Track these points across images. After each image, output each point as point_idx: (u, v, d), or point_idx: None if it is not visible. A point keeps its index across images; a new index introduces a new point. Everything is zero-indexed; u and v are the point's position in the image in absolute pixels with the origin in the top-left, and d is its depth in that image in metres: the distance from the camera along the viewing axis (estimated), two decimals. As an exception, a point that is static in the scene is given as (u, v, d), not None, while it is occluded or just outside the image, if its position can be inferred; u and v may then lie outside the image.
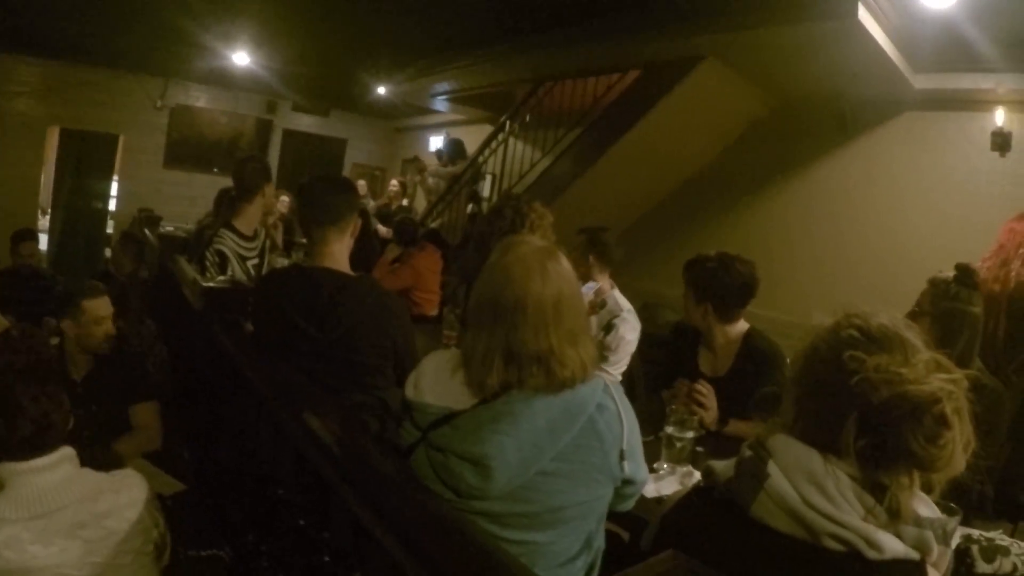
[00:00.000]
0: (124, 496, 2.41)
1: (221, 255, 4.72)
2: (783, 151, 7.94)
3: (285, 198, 9.02)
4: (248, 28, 8.78)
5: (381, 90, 11.24)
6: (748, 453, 1.66)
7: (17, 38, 10.87)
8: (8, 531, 2.20)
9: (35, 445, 2.30)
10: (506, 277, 2.03)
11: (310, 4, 7.44)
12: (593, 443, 2.00)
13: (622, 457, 2.04)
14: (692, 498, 1.85)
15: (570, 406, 1.98)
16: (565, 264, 2.11)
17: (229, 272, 4.67)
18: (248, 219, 4.89)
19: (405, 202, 11.80)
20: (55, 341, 5.68)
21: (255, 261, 4.86)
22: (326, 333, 3.06)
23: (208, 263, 4.73)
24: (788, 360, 3.25)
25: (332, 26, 8.26)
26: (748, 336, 3.74)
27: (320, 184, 3.36)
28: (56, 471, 2.32)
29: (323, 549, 2.37)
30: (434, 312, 6.85)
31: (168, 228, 10.46)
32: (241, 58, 10.08)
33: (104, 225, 13.36)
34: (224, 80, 12.02)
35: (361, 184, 12.08)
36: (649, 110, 7.57)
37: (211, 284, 4.13)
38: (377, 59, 9.88)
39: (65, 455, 2.37)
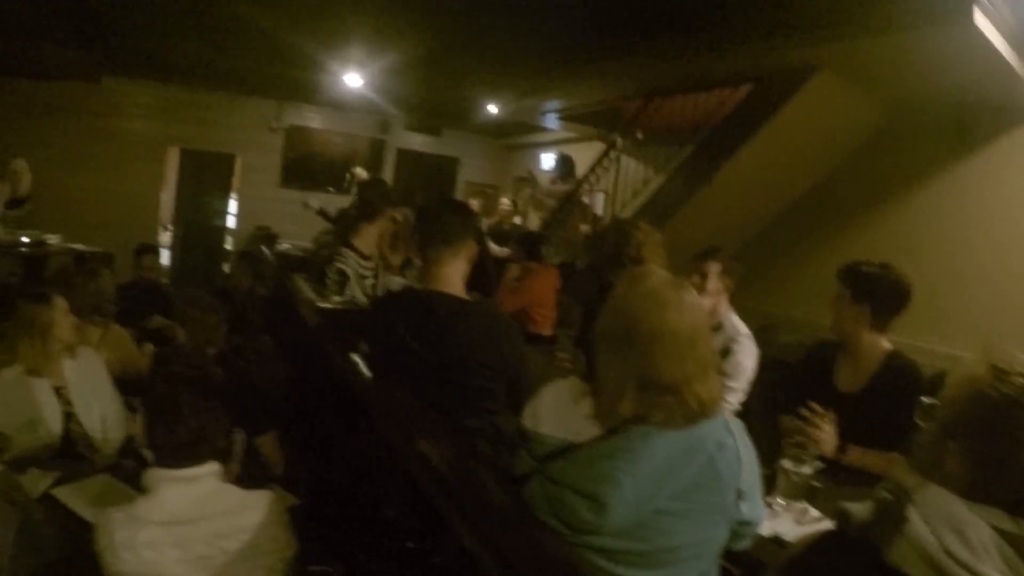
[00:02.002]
0: (263, 514, 2.48)
1: (342, 274, 4.81)
2: (900, 163, 7.69)
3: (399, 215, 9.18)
4: (360, 50, 8.92)
5: (492, 109, 11.29)
6: (886, 495, 1.62)
7: (136, 63, 11.38)
8: (150, 532, 2.30)
9: (188, 455, 2.42)
10: (640, 308, 2.02)
11: (421, 26, 7.53)
12: (711, 483, 1.97)
13: (740, 497, 2.01)
14: (823, 541, 1.81)
15: (690, 444, 1.95)
16: (695, 295, 2.11)
17: (348, 291, 4.76)
18: (368, 239, 4.97)
19: (518, 220, 11.76)
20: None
21: (372, 280, 4.93)
22: (439, 356, 3.06)
23: (329, 280, 4.84)
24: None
25: (443, 46, 8.33)
26: (893, 355, 3.59)
27: (437, 206, 3.39)
28: (202, 483, 2.43)
29: (432, 573, 2.40)
30: (548, 331, 6.77)
31: (285, 246, 10.73)
32: (354, 80, 10.24)
33: (222, 241, 13.75)
34: (337, 101, 12.23)
35: (474, 203, 12.17)
36: (762, 125, 7.40)
37: (327, 305, 4.20)
38: (487, 78, 9.94)
39: (212, 469, 2.47)
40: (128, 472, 3.72)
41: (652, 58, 7.71)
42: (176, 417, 2.40)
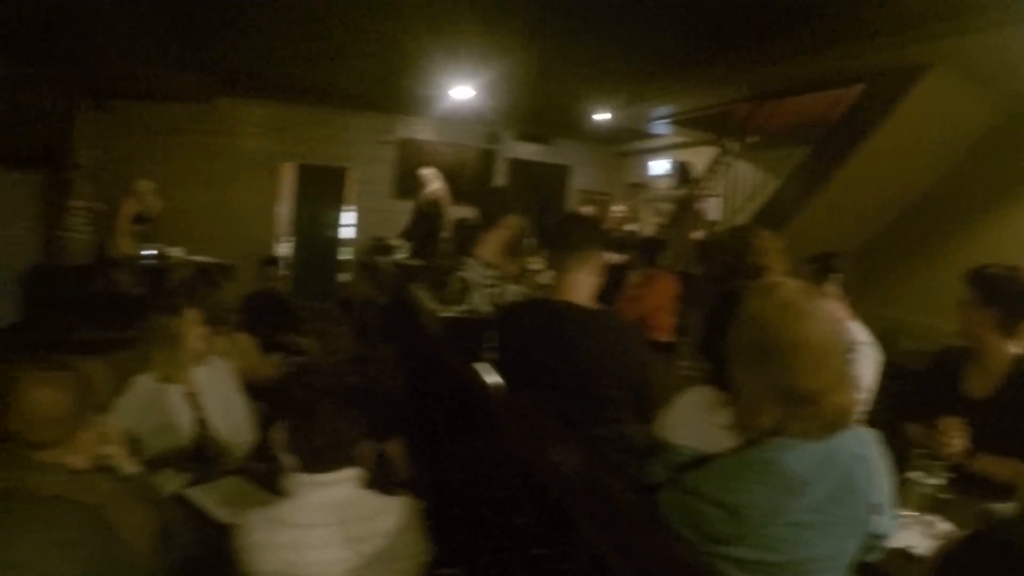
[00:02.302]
0: (401, 519, 2.55)
1: (463, 282, 4.86)
2: (1019, 161, 7.45)
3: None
4: (469, 62, 9.01)
5: (602, 116, 11.31)
6: None
7: (250, 82, 11.80)
8: (292, 534, 2.39)
9: (327, 459, 2.49)
10: (776, 319, 2.02)
11: (530, 35, 7.58)
12: (846, 495, 1.97)
13: (873, 510, 2.00)
14: (966, 543, 1.80)
15: (826, 456, 1.95)
16: (828, 304, 2.11)
17: (469, 300, 4.85)
18: (490, 248, 5.01)
19: (632, 227, 11.68)
20: (302, 361, 6.04)
21: (496, 290, 5.01)
22: (567, 365, 3.09)
23: (450, 289, 4.92)
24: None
25: (552, 55, 8.37)
26: (1022, 360, 3.48)
27: (566, 218, 3.46)
28: (341, 487, 2.50)
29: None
30: (667, 338, 6.73)
31: (400, 255, 10.91)
32: (463, 92, 10.36)
33: (337, 252, 14.04)
34: (447, 113, 12.38)
35: (586, 210, 12.17)
36: (876, 125, 7.25)
37: (450, 314, 4.27)
38: (596, 85, 9.96)
39: (350, 475, 2.54)
40: (258, 474, 3.85)
41: (762, 60, 7.61)
42: (314, 424, 2.48)
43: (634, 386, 3.16)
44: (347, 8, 7.30)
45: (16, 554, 2.22)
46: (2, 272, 10.17)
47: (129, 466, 2.75)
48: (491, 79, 9.56)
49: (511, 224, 5.01)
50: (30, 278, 10.66)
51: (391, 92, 11.54)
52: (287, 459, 2.57)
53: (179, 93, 11.78)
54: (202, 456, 4.22)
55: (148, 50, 8.85)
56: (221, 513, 3.41)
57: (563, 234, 3.38)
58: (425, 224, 11.10)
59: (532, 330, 3.22)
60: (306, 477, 2.49)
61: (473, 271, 4.89)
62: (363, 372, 4.39)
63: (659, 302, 6.96)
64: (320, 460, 2.49)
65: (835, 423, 1.97)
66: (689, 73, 8.64)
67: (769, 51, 7.39)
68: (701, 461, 2.03)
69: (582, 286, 3.29)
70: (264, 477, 3.79)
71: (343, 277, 13.63)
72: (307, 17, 7.81)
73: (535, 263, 6.33)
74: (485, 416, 3.30)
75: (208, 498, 3.56)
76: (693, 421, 2.12)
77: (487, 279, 4.92)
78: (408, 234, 11.41)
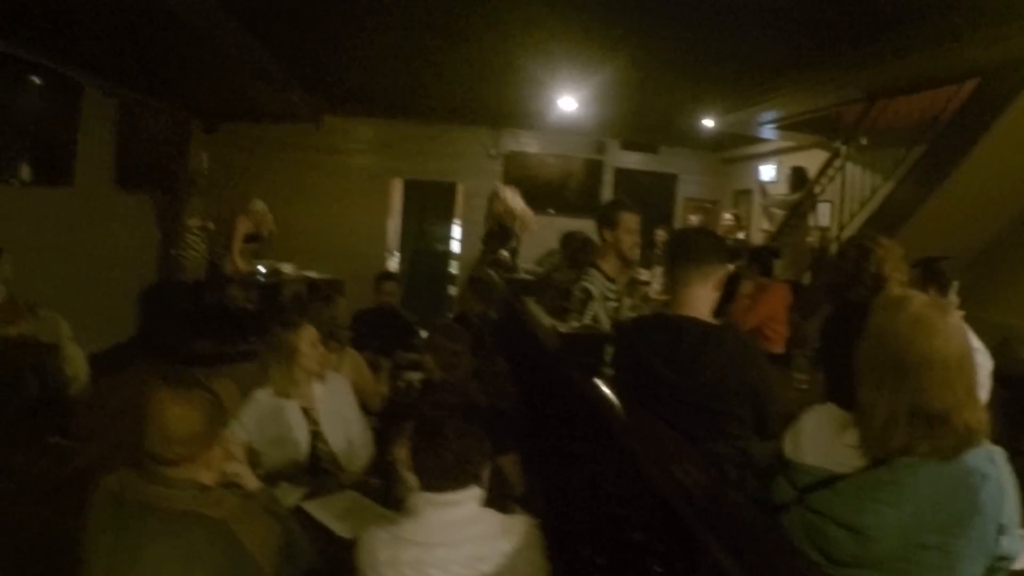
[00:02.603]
0: (522, 540, 2.57)
1: (587, 292, 4.84)
2: None
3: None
4: (573, 73, 9.02)
5: (707, 122, 11.16)
6: None
7: (357, 102, 12.08)
8: (414, 552, 2.43)
9: (452, 478, 2.52)
10: (908, 335, 1.99)
11: (633, 45, 7.55)
12: (974, 517, 1.92)
13: (1000, 532, 1.96)
14: None
15: (955, 476, 1.92)
16: (957, 317, 2.06)
17: (590, 312, 4.80)
18: (609, 263, 4.97)
19: (741, 235, 11.60)
20: (416, 377, 6.07)
21: (616, 304, 4.93)
22: (688, 381, 3.07)
23: (573, 299, 4.88)
24: None
25: (656, 63, 8.34)
26: None
27: (689, 231, 3.42)
28: (464, 507, 2.53)
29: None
30: (780, 349, 6.64)
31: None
32: (568, 103, 10.36)
33: (447, 266, 14.21)
34: (553, 125, 12.40)
35: (694, 219, 12.07)
36: (993, 122, 6.98)
37: (567, 330, 4.24)
38: (702, 92, 9.86)
39: (474, 494, 2.57)
40: (374, 490, 3.93)
41: (874, 59, 7.39)
42: (442, 443, 2.51)
43: (754, 402, 3.13)
44: (451, 27, 7.36)
45: (147, 565, 2.35)
46: (123, 288, 10.54)
47: (252, 482, 2.84)
48: (596, 89, 9.54)
49: (629, 225, 4.91)
50: (148, 294, 11.12)
51: (497, 106, 11.65)
52: (409, 477, 2.62)
53: (288, 114, 12.08)
54: (318, 470, 4.32)
55: (258, 75, 9.05)
56: (339, 527, 3.48)
57: (685, 247, 3.35)
58: (497, 240, 11.05)
59: (653, 346, 3.20)
60: (430, 496, 2.53)
61: (596, 283, 4.85)
62: (479, 387, 4.39)
63: (772, 312, 6.85)
64: (445, 480, 2.52)
65: (965, 442, 1.94)
66: (797, 76, 8.47)
67: (881, 50, 7.15)
68: (828, 481, 2.01)
69: (703, 301, 3.26)
70: (379, 492, 3.87)
71: (453, 291, 13.73)
72: (412, 37, 7.88)
73: (645, 275, 6.21)
74: (605, 432, 3.28)
75: (325, 512, 3.63)
76: (819, 441, 2.10)
77: (611, 292, 4.88)
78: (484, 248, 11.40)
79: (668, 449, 2.67)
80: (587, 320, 4.69)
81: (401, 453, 2.62)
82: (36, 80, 7.86)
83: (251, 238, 11.51)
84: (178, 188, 11.37)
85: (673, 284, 3.34)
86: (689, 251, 3.29)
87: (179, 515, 2.40)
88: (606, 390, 3.43)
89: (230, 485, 2.70)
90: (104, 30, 7.21)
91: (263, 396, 4.32)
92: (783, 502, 2.11)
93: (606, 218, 4.94)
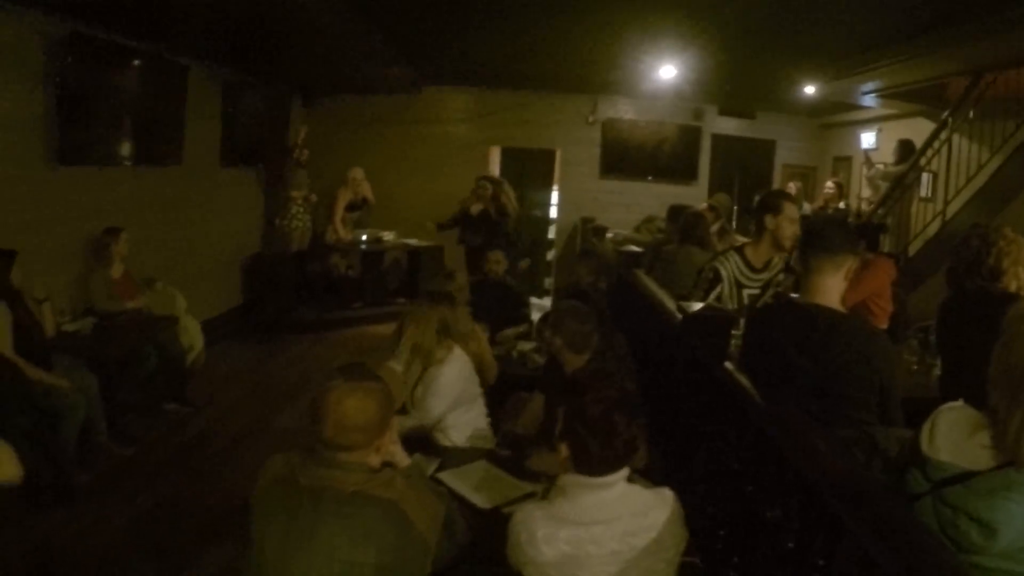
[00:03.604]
0: (666, 512, 2.66)
1: (715, 273, 4.86)
2: None
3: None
4: (672, 40, 8.98)
5: (808, 90, 10.99)
6: None
7: (455, 72, 12.22)
8: (572, 531, 2.54)
9: (615, 465, 2.62)
10: None
11: (732, 10, 7.47)
12: None
13: None
14: None
15: None
16: None
17: (714, 294, 4.80)
18: (759, 251, 4.90)
19: (842, 204, 11.38)
20: (528, 347, 6.16)
21: (754, 292, 4.87)
22: (819, 368, 3.14)
23: (700, 278, 4.92)
24: None
25: (755, 29, 8.24)
26: None
27: (822, 219, 3.44)
28: (616, 487, 2.62)
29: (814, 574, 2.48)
30: (884, 324, 6.52)
31: (609, 235, 11.00)
32: (668, 71, 10.31)
33: (545, 232, 14.32)
34: (651, 92, 12.34)
35: (792, 186, 11.88)
36: None
37: (691, 309, 4.27)
38: (801, 58, 9.73)
39: (623, 474, 2.65)
40: (504, 460, 4.07)
41: (980, 35, 7.18)
42: (612, 436, 2.57)
43: (880, 390, 3.18)
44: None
45: (321, 544, 2.49)
46: (229, 260, 10.87)
47: (404, 459, 3.00)
48: (695, 55, 9.46)
49: (791, 214, 4.81)
50: (253, 264, 11.43)
51: (595, 73, 11.63)
52: (561, 458, 2.68)
53: (385, 86, 12.24)
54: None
55: (360, 51, 9.21)
56: (476, 498, 3.61)
57: (819, 237, 3.40)
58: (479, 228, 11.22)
59: (788, 334, 3.27)
60: (583, 479, 2.61)
61: (728, 266, 4.86)
62: (602, 362, 4.43)
63: (877, 287, 6.74)
64: (611, 463, 2.61)
65: None
66: (902, 48, 8.26)
67: (989, 25, 6.95)
68: (962, 477, 2.04)
69: (834, 289, 3.33)
70: (510, 462, 4.01)
71: (550, 256, 13.84)
72: (512, 9, 7.92)
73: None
74: (736, 414, 3.40)
75: (462, 483, 3.75)
76: (954, 439, 2.12)
77: (749, 279, 4.86)
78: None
79: (806, 433, 2.77)
80: (710, 300, 4.70)
81: (561, 450, 2.65)
82: (142, 64, 8.10)
83: (352, 206, 11.74)
84: (280, 162, 11.68)
85: (805, 272, 3.40)
86: (823, 241, 3.34)
87: (351, 496, 2.53)
88: (737, 374, 3.54)
89: (385, 463, 2.81)
90: (209, 15, 7.42)
91: (391, 368, 4.54)
92: (916, 492, 2.15)
93: (770, 204, 4.85)
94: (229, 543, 4.97)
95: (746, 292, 4.86)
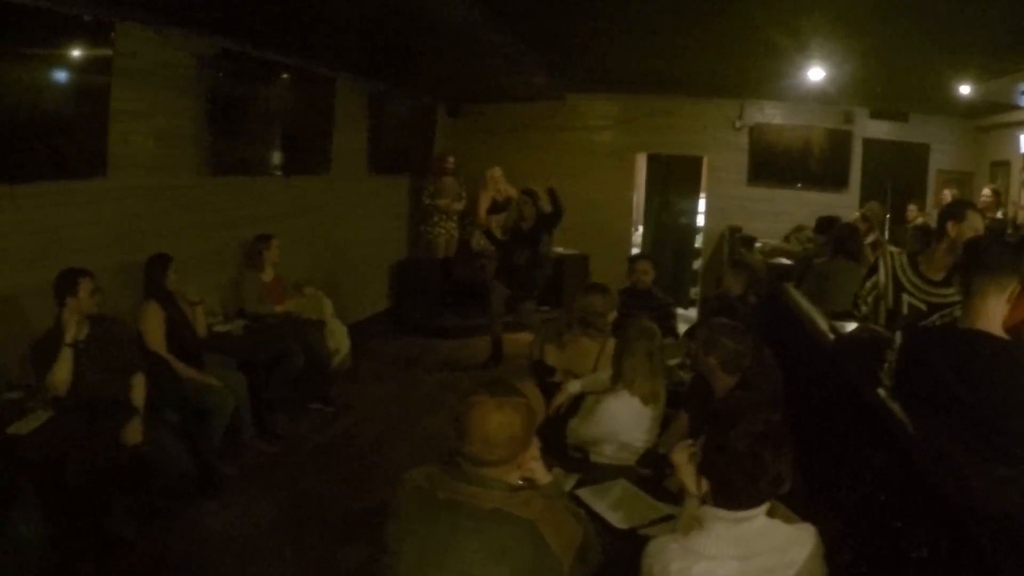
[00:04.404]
0: (808, 548, 2.51)
1: (874, 263, 4.82)
2: None
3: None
4: (820, 43, 8.80)
5: (963, 90, 10.55)
6: None
7: (599, 79, 12.18)
8: (706, 566, 2.40)
9: (757, 501, 2.47)
10: None
11: (883, 12, 7.29)
12: None
13: None
14: None
15: None
16: None
17: (870, 282, 4.75)
18: (934, 258, 4.68)
19: (999, 214, 10.69)
20: (673, 362, 6.09)
21: (918, 305, 4.66)
22: (980, 398, 2.94)
23: (862, 291, 4.85)
24: None
25: (906, 30, 8.02)
26: None
27: (985, 239, 3.31)
28: (756, 521, 2.48)
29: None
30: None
31: (757, 244, 10.84)
32: (815, 73, 10.10)
33: (692, 240, 14.12)
34: (798, 96, 12.04)
35: (947, 193, 11.41)
36: None
37: (844, 329, 4.15)
38: (956, 56, 9.39)
39: (764, 508, 2.50)
40: (644, 480, 3.98)
41: None
42: (758, 472, 2.43)
43: None
44: (696, 4, 7.33)
45: (457, 559, 2.50)
46: (376, 265, 11.18)
47: (544, 476, 2.93)
48: (843, 55, 9.24)
49: (974, 223, 4.55)
50: (400, 269, 11.74)
51: (742, 78, 11.46)
52: (702, 491, 2.59)
53: (529, 94, 12.35)
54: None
55: (500, 60, 9.34)
56: (613, 518, 3.55)
57: (982, 256, 3.22)
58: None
59: (946, 359, 3.08)
60: (725, 513, 2.47)
61: (894, 263, 4.73)
62: (750, 385, 4.24)
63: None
64: (745, 503, 2.47)
65: None
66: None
67: None
68: None
69: (996, 313, 3.12)
70: (650, 482, 3.91)
71: (697, 265, 13.69)
72: (656, 16, 7.91)
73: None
74: (885, 441, 3.26)
75: (599, 501, 3.69)
76: None
77: (918, 291, 4.68)
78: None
79: (961, 469, 2.64)
80: (866, 288, 4.66)
81: (702, 485, 2.56)
82: (289, 78, 8.48)
83: (495, 208, 11.85)
84: (426, 170, 11.93)
85: (966, 294, 3.22)
86: (986, 260, 3.15)
87: (488, 513, 2.52)
88: (890, 401, 3.39)
89: (525, 479, 2.80)
90: (354, 30, 7.64)
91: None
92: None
93: (953, 211, 4.66)
94: (365, 544, 5.03)
95: (906, 298, 4.67)
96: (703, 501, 2.58)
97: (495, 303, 9.70)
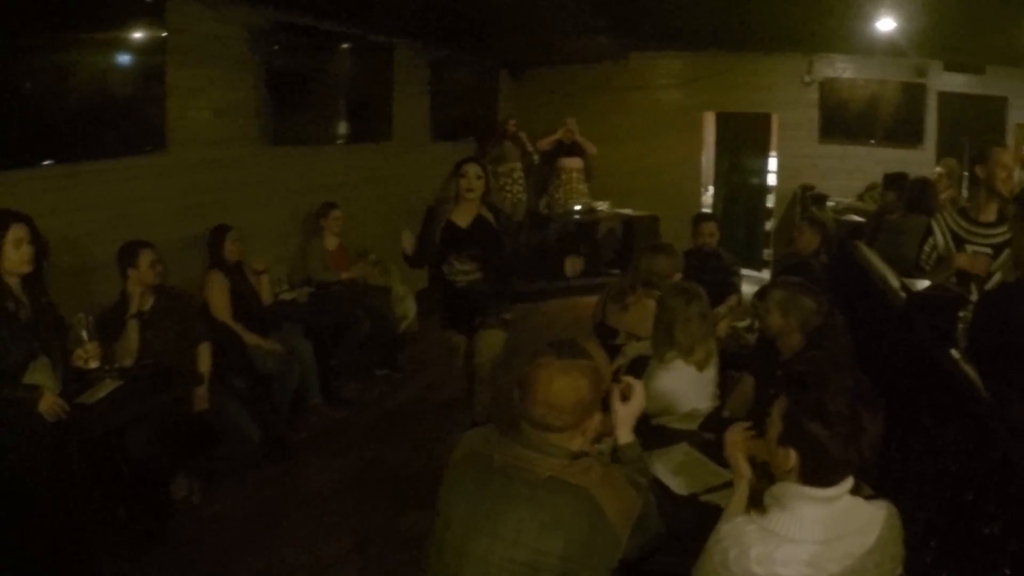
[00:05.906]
0: (887, 531, 2.33)
1: (928, 227, 4.85)
2: None
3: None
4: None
5: (1041, 39, 10.20)
6: None
7: (663, 37, 11.96)
8: (788, 550, 2.22)
9: (851, 469, 2.28)
10: None
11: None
12: None
13: None
14: None
15: None
16: None
17: (928, 245, 4.74)
18: (978, 203, 4.73)
19: None
20: (742, 324, 6.01)
21: (982, 250, 4.64)
22: None
23: (923, 253, 4.83)
24: None
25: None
26: None
27: None
28: (839, 502, 2.28)
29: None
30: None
31: (830, 203, 10.65)
32: (886, 24, 9.84)
33: (763, 200, 13.79)
34: (869, 48, 11.69)
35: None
36: None
37: (916, 287, 4.07)
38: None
39: (848, 486, 2.30)
40: (705, 443, 3.87)
41: None
42: (858, 435, 2.19)
43: None
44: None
45: (508, 526, 2.43)
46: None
47: (626, 436, 2.93)
48: (916, 5, 8.98)
49: (1000, 159, 4.60)
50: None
51: (810, 31, 11.18)
52: (788, 467, 2.33)
53: (592, 55, 12.23)
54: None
55: (563, 21, 9.26)
56: (674, 483, 3.48)
57: None
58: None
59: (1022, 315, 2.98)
60: (808, 491, 2.26)
61: (946, 221, 4.72)
62: (813, 338, 4.14)
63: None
64: (840, 473, 2.27)
65: None
66: None
67: None
68: None
69: None
70: (711, 446, 3.79)
71: (769, 225, 13.47)
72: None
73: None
74: (958, 407, 3.12)
75: (661, 466, 3.61)
76: None
77: (971, 234, 4.66)
78: None
79: None
80: (926, 251, 4.64)
81: (790, 458, 2.27)
82: (347, 48, 8.55)
83: (563, 149, 11.74)
84: (489, 134, 11.91)
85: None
86: None
87: (545, 481, 2.45)
88: (964, 363, 3.24)
89: (602, 436, 2.79)
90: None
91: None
92: None
93: (977, 155, 4.72)
94: (430, 511, 5.07)
95: (970, 249, 4.65)
96: (779, 479, 2.38)
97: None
